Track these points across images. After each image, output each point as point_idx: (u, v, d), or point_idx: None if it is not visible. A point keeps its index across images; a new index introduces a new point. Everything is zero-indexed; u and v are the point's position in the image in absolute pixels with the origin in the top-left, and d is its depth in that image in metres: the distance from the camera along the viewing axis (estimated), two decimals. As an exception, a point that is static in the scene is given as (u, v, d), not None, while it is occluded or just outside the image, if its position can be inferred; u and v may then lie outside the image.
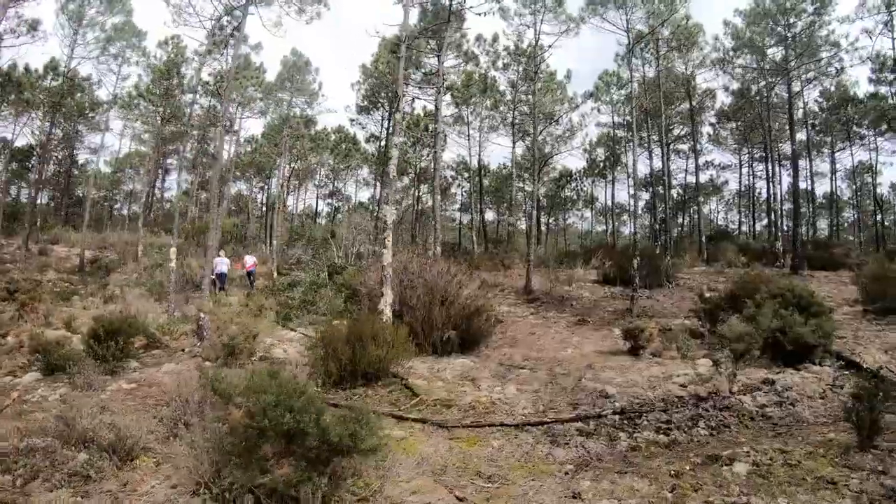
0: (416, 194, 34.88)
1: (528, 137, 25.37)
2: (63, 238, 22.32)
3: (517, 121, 26.81)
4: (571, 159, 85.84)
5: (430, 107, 23.86)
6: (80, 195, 32.00)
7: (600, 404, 5.39)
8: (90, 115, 24.84)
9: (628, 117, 25.55)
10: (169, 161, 37.30)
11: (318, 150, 32.84)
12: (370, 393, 6.07)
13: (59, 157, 27.21)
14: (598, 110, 29.05)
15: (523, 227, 30.99)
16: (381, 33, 16.17)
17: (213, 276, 15.56)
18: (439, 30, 15.50)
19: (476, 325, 9.20)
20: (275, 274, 20.24)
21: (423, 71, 20.48)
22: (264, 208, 39.32)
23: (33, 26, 15.74)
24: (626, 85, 25.34)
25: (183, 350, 8.69)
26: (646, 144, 24.52)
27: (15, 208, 23.00)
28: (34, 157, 22.75)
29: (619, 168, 31.02)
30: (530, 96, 19.93)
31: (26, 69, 17.34)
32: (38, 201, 29.65)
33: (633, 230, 13.65)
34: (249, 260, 18.73)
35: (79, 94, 21.60)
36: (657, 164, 25.87)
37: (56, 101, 18.96)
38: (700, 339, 8.99)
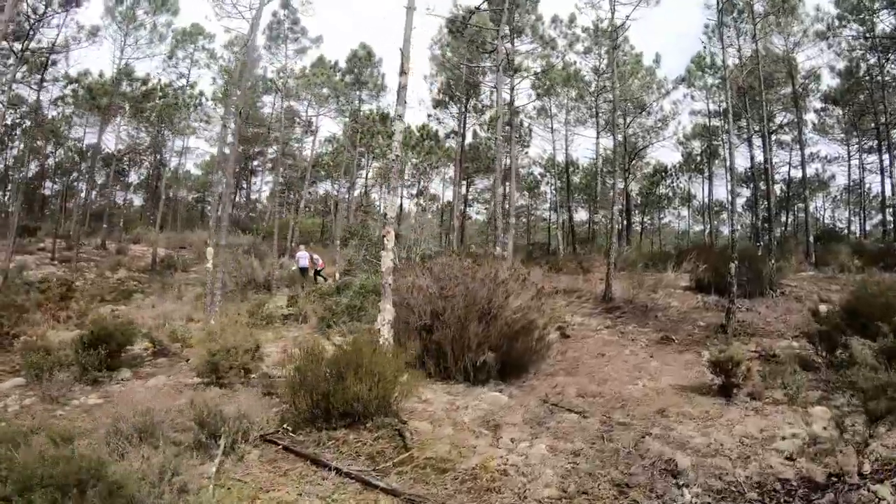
0: (504, 192, 33.39)
1: (617, 129, 22.92)
2: (144, 238, 23.19)
3: (602, 110, 24.43)
4: (666, 152, 79.92)
5: (520, 102, 22.10)
6: (171, 197, 33.68)
7: (662, 488, 3.56)
8: (175, 119, 25.74)
9: (725, 104, 22.34)
10: (255, 163, 38.53)
11: (390, 144, 32.13)
12: (350, 438, 4.63)
13: (150, 161, 28.66)
14: (692, 97, 25.81)
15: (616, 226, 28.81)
16: (432, 10, 14.51)
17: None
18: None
19: (523, 346, 7.45)
20: (337, 275, 19.70)
21: (478, 49, 18.74)
22: (351, 208, 39.58)
23: (93, 32, 16.17)
24: (720, 69, 22.14)
25: (187, 360, 7.80)
26: (745, 134, 21.21)
27: (101, 210, 24.27)
28: (119, 162, 23.80)
29: (716, 162, 27.72)
30: (616, 81, 17.68)
31: (100, 75, 18.05)
32: (128, 203, 31.60)
33: (731, 226, 11.23)
34: (318, 259, 18.91)
35: (159, 99, 22.32)
36: (758, 156, 22.35)
37: (133, 106, 19.54)
38: (813, 371, 6.76)
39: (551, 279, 17.74)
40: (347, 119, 28.62)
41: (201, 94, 24.59)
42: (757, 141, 21.58)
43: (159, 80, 22.22)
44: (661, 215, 34.03)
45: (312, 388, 4.73)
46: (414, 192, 40.88)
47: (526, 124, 29.99)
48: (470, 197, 35.77)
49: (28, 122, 19.13)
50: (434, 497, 3.58)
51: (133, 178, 31.37)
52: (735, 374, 5.94)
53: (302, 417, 4.76)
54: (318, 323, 11.88)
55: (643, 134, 25.40)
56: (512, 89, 19.06)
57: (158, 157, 27.86)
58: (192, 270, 20.87)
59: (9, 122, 18.34)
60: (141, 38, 17.05)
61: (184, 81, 22.33)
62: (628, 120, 23.81)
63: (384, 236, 5.97)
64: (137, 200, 34.71)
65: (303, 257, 18.09)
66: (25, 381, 6.60)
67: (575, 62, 22.50)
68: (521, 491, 3.61)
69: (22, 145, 20.57)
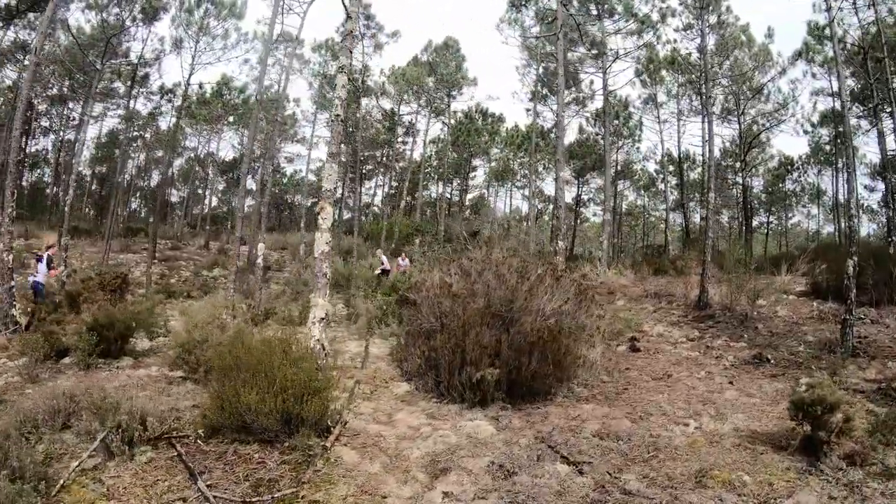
0: (615, 191, 31.19)
1: (731, 116, 19.87)
2: (250, 239, 24.61)
3: (708, 94, 21.40)
4: (792, 142, 69.91)
5: (622, 91, 19.88)
6: (288, 201, 35.75)
7: None
8: (285, 126, 27.12)
9: (851, 80, 17.95)
10: (370, 167, 39.75)
11: (492, 143, 31.29)
12: (255, 457, 3.80)
13: (270, 167, 30.59)
14: (813, 74, 21.30)
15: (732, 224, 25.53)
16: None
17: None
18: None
19: (541, 362, 5.96)
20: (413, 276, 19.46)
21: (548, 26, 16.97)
22: (465, 210, 39.33)
23: (177, 44, 17.27)
24: (842, 39, 17.59)
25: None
26: (871, 117, 17.00)
27: (207, 213, 26.20)
28: (234, 168, 25.51)
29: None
30: (708, 50, 15.03)
31: (199, 86, 19.39)
32: (251, 208, 34.06)
33: (849, 212, 8.72)
34: (402, 262, 19.39)
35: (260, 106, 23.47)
36: (891, 143, 17.75)
37: (232, 114, 20.73)
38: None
39: (646, 281, 15.66)
40: (445, 119, 28.26)
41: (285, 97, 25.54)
42: (890, 123, 17.24)
43: (272, 86, 23.41)
44: (790, 214, 29.28)
45: (219, 392, 3.97)
46: (527, 193, 39.75)
47: (636, 116, 27.48)
48: (585, 197, 33.63)
49: (145, 135, 21.25)
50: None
51: (251, 184, 33.72)
52: (826, 423, 4.08)
53: (209, 423, 4.02)
54: (367, 324, 11.34)
55: (762, 120, 21.66)
56: (604, 72, 17.21)
57: (268, 163, 29.65)
58: (285, 269, 21.72)
59: (130, 134, 20.54)
60: (212, 44, 18.07)
61: (276, 87, 23.41)
62: (742, 105, 20.41)
63: (318, 213, 4.99)
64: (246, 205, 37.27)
65: (385, 261, 19.08)
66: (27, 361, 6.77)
67: (675, 40, 19.76)
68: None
69: (143, 156, 22.97)
